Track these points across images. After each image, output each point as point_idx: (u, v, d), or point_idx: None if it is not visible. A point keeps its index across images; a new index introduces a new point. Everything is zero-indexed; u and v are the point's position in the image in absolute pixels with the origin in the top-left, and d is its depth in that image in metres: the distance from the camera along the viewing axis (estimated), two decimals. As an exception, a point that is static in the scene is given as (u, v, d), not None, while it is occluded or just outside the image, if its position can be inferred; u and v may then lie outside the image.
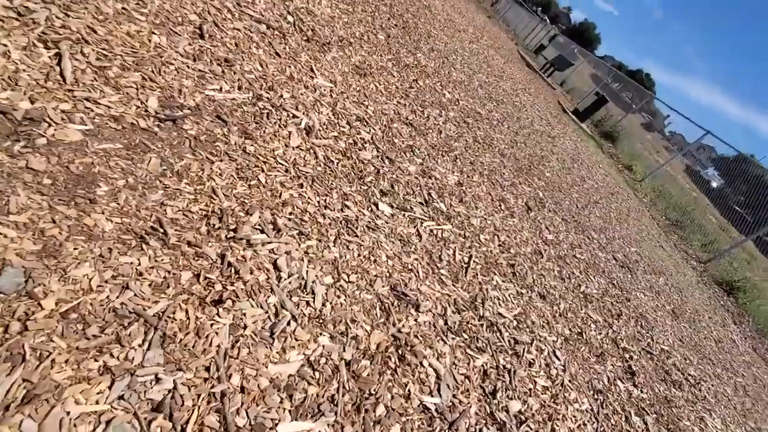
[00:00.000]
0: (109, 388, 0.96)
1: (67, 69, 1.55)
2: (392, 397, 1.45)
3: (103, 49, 1.74)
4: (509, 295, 2.52)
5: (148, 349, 1.06)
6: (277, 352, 1.28)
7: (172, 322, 1.15)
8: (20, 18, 1.52)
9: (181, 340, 1.13)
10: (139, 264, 1.21)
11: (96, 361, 0.99)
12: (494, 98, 6.41)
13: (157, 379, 1.02)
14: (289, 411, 1.19)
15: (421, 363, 1.64)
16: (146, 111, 1.70)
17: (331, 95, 2.86)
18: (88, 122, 1.48)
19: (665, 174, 13.66)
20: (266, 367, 1.22)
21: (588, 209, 5.56)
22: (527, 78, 11.80)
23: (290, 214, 1.79)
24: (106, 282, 1.12)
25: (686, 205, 11.62)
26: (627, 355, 3.07)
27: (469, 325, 2.05)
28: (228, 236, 1.49)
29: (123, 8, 2.01)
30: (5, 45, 1.43)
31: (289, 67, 2.76)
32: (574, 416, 2.08)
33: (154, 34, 2.06)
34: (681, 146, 18.40)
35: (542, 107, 9.52)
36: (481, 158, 4.02)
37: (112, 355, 1.01)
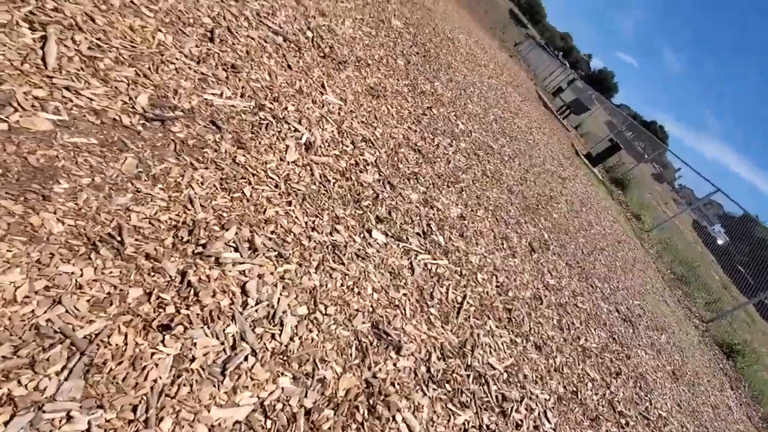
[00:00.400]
0: (6, 424, 0.80)
1: (51, 54, 1.45)
2: (354, 457, 1.27)
3: (98, 39, 1.65)
4: (502, 343, 2.33)
5: (66, 378, 0.90)
6: (225, 393, 1.12)
7: (105, 347, 0.99)
8: (7, -5, 1.43)
9: (110, 370, 0.97)
10: (81, 275, 1.06)
11: None
12: (508, 134, 6.33)
13: (69, 418, 0.87)
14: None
15: (393, 417, 1.46)
16: (133, 108, 1.59)
17: (339, 113, 2.77)
18: (63, 112, 1.37)
19: (673, 227, 13.45)
20: (208, 411, 1.05)
21: (593, 256, 5.38)
22: (543, 118, 11.79)
23: (271, 233, 1.65)
24: (35, 293, 0.97)
25: (692, 261, 11.36)
26: (623, 421, 2.84)
27: (455, 375, 1.86)
28: (195, 251, 1.35)
29: (131, 1, 1.94)
30: (-15, 21, 1.34)
31: (300, 80, 2.67)
32: (561, 491, 1.86)
33: (160, 31, 1.98)
34: (690, 200, 18.22)
35: (555, 148, 9.44)
36: (488, 193, 3.89)
37: (19, 383, 0.85)
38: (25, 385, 0.85)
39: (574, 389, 2.61)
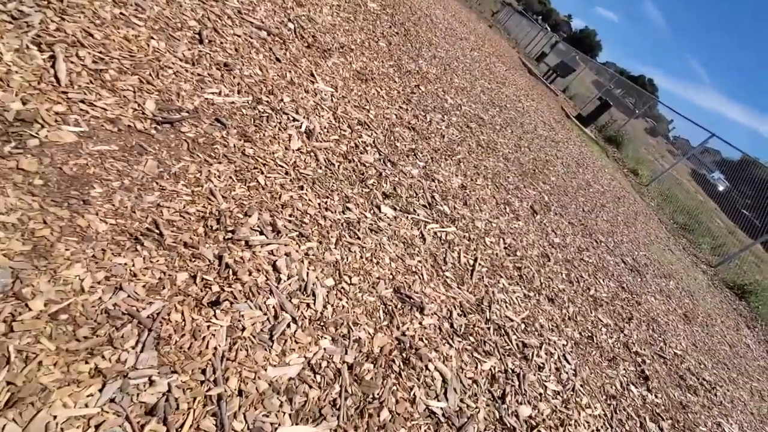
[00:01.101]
0: (100, 391, 0.92)
1: (62, 71, 1.53)
2: (397, 402, 1.39)
3: (100, 52, 1.73)
4: (516, 298, 2.45)
5: (141, 351, 1.02)
6: (276, 355, 1.24)
7: (167, 323, 1.10)
8: (14, 21, 1.51)
9: (176, 342, 1.08)
10: (134, 265, 1.17)
11: (86, 363, 0.94)
12: (497, 104, 6.39)
13: (151, 382, 0.98)
14: (289, 415, 1.13)
15: (426, 366, 1.59)
16: (143, 113, 1.68)
17: (332, 100, 2.85)
18: (83, 124, 1.46)
19: (671, 178, 13.56)
20: (265, 370, 1.17)
21: (595, 213, 5.49)
22: (530, 84, 11.81)
23: (290, 215, 1.76)
24: (98, 283, 1.08)
25: (694, 209, 11.49)
26: (639, 360, 2.98)
27: (476, 329, 1.99)
28: (226, 237, 1.46)
29: (121, 13, 2.01)
30: (-1, 48, 1.42)
31: (290, 72, 2.75)
32: (587, 422, 2.00)
33: (153, 38, 2.05)
34: (685, 150, 18.27)
35: (545, 113, 9.50)
36: (484, 162, 3.98)
37: (103, 357, 0.96)
38: (109, 359, 0.97)
39: (590, 334, 2.75)
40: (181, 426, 0.96)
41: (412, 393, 1.46)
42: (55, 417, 0.85)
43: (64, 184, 1.26)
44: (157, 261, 1.23)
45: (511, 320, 2.24)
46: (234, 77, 2.28)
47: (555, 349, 2.29)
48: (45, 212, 1.15)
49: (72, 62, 1.61)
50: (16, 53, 1.47)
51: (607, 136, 13.93)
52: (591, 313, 3.04)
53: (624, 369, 2.71)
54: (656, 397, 2.69)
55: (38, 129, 1.33)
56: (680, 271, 6.48)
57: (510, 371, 1.90)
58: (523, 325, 2.27)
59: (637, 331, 3.38)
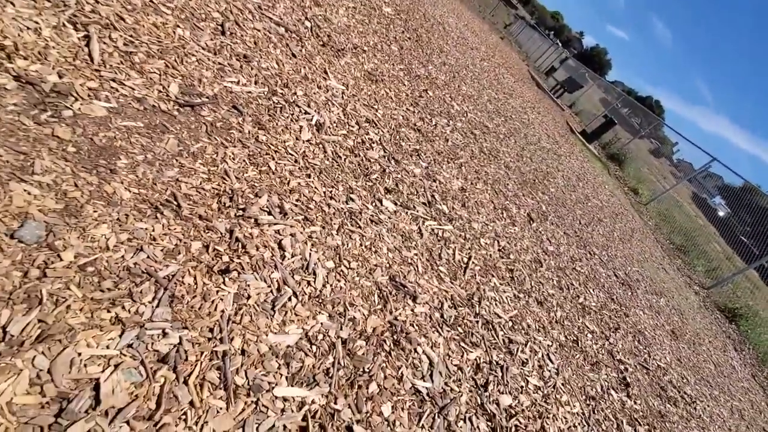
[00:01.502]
0: (120, 336, 1.02)
1: (95, 50, 1.64)
2: (385, 377, 1.49)
3: (130, 36, 1.85)
4: (506, 297, 2.56)
5: (157, 306, 1.12)
6: (277, 324, 1.34)
7: (181, 285, 1.21)
8: (51, 0, 1.62)
9: (188, 302, 1.19)
10: (153, 230, 1.28)
11: (108, 312, 1.05)
12: (502, 114, 6.51)
13: (164, 334, 1.09)
14: (286, 377, 1.24)
15: (415, 349, 1.69)
16: (167, 96, 1.79)
17: (342, 97, 2.96)
18: (113, 101, 1.57)
19: (671, 199, 13.66)
20: (266, 336, 1.28)
21: (591, 226, 5.59)
22: (537, 97, 11.94)
23: (297, 200, 1.87)
24: (121, 243, 1.19)
25: (691, 231, 11.59)
26: (622, 367, 3.08)
27: (465, 321, 2.09)
28: (237, 214, 1.57)
29: (151, 1, 2.13)
30: (36, 23, 1.53)
31: (304, 68, 2.86)
32: (565, 417, 2.10)
33: (179, 27, 2.16)
34: (688, 173, 18.37)
35: (550, 126, 9.62)
36: (486, 168, 4.09)
37: (123, 308, 1.07)
38: (128, 310, 1.07)
39: (575, 338, 2.85)
40: (189, 375, 1.07)
41: (399, 371, 1.56)
42: (79, 354, 0.95)
43: (94, 153, 1.37)
44: (175, 229, 1.33)
45: (500, 317, 2.34)
46: (252, 69, 2.39)
47: (540, 348, 2.39)
48: (76, 176, 1.26)
49: (105, 43, 1.73)
50: (54, 30, 1.58)
51: (610, 154, 14.05)
52: (578, 319, 3.13)
53: (606, 374, 2.81)
54: (635, 403, 2.79)
55: (72, 101, 1.44)
56: (672, 290, 6.57)
57: (494, 363, 2.00)
58: (510, 323, 2.38)
59: (623, 341, 3.48)
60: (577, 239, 4.70)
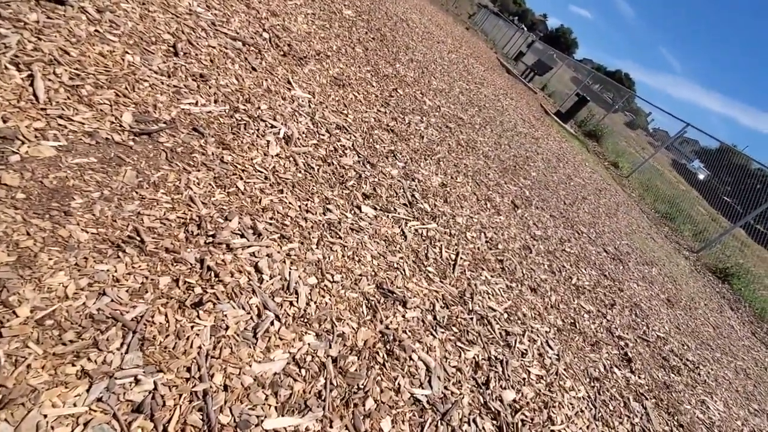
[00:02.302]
0: (87, 391, 0.95)
1: (40, 89, 1.56)
2: (381, 391, 1.44)
3: (76, 69, 1.77)
4: (499, 289, 2.52)
5: (126, 352, 1.05)
6: (261, 352, 1.28)
7: (151, 325, 1.14)
8: (-10, 42, 1.54)
9: (160, 342, 1.12)
10: (116, 271, 1.21)
11: (73, 365, 0.98)
12: (476, 104, 6.51)
13: (137, 381, 1.02)
14: (275, 407, 1.18)
15: (410, 357, 1.64)
16: (121, 126, 1.71)
17: (309, 105, 2.90)
18: (62, 138, 1.49)
19: (652, 168, 13.87)
20: (250, 366, 1.21)
21: (576, 205, 5.62)
22: (508, 84, 12.01)
23: (271, 218, 1.80)
24: (82, 289, 1.11)
25: (675, 197, 11.77)
26: (622, 343, 3.07)
27: (459, 319, 2.05)
28: (207, 242, 1.50)
29: (96, 30, 2.04)
30: (-24, 68, 1.45)
31: (266, 80, 2.80)
32: (571, 403, 2.07)
33: (128, 53, 2.08)
34: (664, 141, 18.69)
35: (525, 110, 9.67)
36: (464, 161, 4.07)
37: (89, 360, 1.00)
38: (95, 360, 1.00)
39: (572, 321, 2.83)
40: (168, 421, 1.00)
41: (396, 382, 1.51)
42: (45, 416, 0.88)
43: (46, 197, 1.29)
44: (139, 266, 1.26)
45: (494, 310, 2.30)
46: (210, 87, 2.32)
47: (538, 336, 2.36)
48: (28, 224, 1.18)
49: (50, 80, 1.64)
50: (-7, 73, 1.49)
51: (586, 131, 14.20)
52: (573, 300, 3.12)
53: (607, 353, 2.79)
54: (639, 378, 2.78)
55: (19, 145, 1.36)
56: (662, 258, 6.64)
57: (493, 358, 1.96)
58: (506, 315, 2.34)
59: (620, 317, 3.48)
60: (564, 220, 4.70)
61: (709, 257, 9.20)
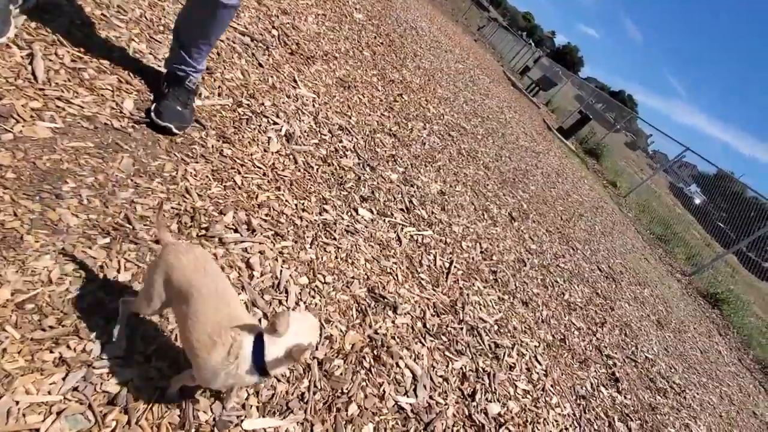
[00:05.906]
0: (63, 379, 0.93)
1: (40, 69, 1.54)
2: (366, 397, 1.42)
3: (80, 51, 1.75)
4: (490, 301, 2.51)
5: (107, 342, 1.03)
6: (245, 349, 1.25)
7: (137, 317, 1.12)
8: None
9: (146, 331, 1.10)
10: (104, 257, 1.18)
11: (51, 352, 0.95)
12: (479, 114, 6.52)
13: (115, 372, 0.99)
14: (256, 407, 1.15)
15: (397, 364, 1.62)
16: (121, 112, 1.69)
17: (313, 105, 2.89)
18: (59, 121, 1.47)
19: (649, 190, 13.94)
20: (233, 363, 1.19)
21: (573, 222, 5.62)
22: (512, 97, 12.06)
23: (266, 215, 1.78)
24: (66, 275, 1.09)
25: (670, 220, 11.82)
26: (611, 362, 3.06)
27: (449, 329, 2.03)
28: (199, 234, 1.48)
29: (102, 14, 2.03)
30: (-24, 44, 1.43)
31: (272, 77, 2.78)
32: (556, 420, 2.05)
33: (134, 40, 2.07)
34: (663, 164, 18.81)
35: (527, 124, 9.71)
36: (464, 170, 4.06)
37: (68, 347, 0.97)
38: (74, 348, 0.98)
39: (562, 337, 2.81)
40: (143, 414, 0.98)
41: (381, 389, 1.49)
42: (17, 402, 0.86)
43: (37, 178, 1.27)
44: (128, 254, 1.24)
45: (485, 321, 2.28)
46: (215, 80, 2.31)
47: (527, 351, 2.35)
48: (16, 204, 1.15)
49: (50, 60, 1.62)
50: (-7, 50, 1.47)
51: (587, 149, 14.27)
52: (564, 317, 3.11)
53: (595, 371, 2.78)
54: (626, 398, 2.76)
55: (13, 124, 1.34)
56: (655, 279, 6.65)
57: (481, 370, 1.95)
58: (496, 327, 2.33)
59: (610, 336, 3.47)
60: (560, 235, 4.70)
61: (701, 281, 9.24)
